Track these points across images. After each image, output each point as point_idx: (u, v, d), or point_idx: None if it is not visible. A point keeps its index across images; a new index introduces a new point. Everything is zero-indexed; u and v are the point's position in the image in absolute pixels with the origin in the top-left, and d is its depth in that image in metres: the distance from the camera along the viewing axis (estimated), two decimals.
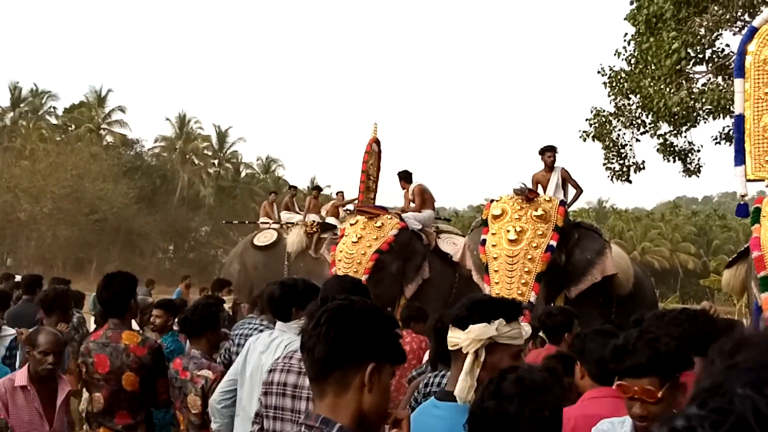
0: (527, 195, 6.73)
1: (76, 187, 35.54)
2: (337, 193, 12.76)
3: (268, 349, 3.09)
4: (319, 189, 13.02)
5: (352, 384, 1.43)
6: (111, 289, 3.44)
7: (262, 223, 12.46)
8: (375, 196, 10.51)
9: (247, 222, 17.00)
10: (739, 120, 6.36)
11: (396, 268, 8.02)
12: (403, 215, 8.59)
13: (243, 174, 50.22)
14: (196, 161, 47.71)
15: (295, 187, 13.25)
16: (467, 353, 1.92)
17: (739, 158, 6.29)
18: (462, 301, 2.06)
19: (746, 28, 6.76)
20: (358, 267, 7.70)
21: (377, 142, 10.32)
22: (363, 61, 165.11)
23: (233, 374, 3.22)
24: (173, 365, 3.57)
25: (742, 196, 6.31)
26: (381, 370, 1.45)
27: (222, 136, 48.50)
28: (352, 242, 7.99)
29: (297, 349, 2.43)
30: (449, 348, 2.01)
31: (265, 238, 11.61)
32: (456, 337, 1.97)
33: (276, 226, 11.99)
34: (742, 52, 6.33)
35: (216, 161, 48.97)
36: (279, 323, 3.20)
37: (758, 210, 5.64)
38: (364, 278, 7.23)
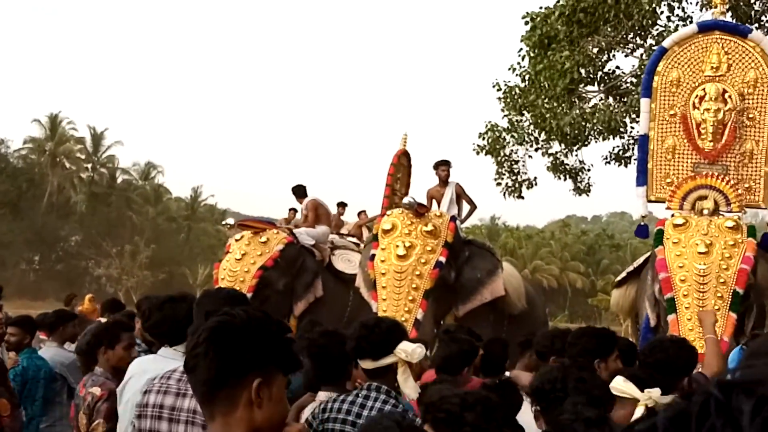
0: (417, 210, 6.65)
1: None
2: (359, 213, 11.51)
3: None
4: (344, 205, 11.79)
5: (240, 402, 1.37)
6: None
7: None
8: None
9: None
10: (644, 140, 6.37)
11: (284, 284, 7.57)
12: (295, 231, 8.17)
13: (119, 180, 47.51)
14: (68, 165, 44.73)
15: None
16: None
17: (642, 178, 6.28)
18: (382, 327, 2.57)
19: (656, 48, 6.78)
20: (242, 285, 7.22)
21: (406, 154, 9.66)
22: (251, 61, 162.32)
23: None
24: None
25: (643, 216, 6.34)
26: (271, 382, 1.39)
27: (97, 138, 45.70)
28: (236, 259, 7.51)
29: (175, 369, 2.34)
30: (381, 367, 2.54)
31: None
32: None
33: None
34: (651, 72, 6.36)
35: (90, 165, 46.10)
36: None
37: (661, 232, 5.67)
38: (249, 297, 6.81)
